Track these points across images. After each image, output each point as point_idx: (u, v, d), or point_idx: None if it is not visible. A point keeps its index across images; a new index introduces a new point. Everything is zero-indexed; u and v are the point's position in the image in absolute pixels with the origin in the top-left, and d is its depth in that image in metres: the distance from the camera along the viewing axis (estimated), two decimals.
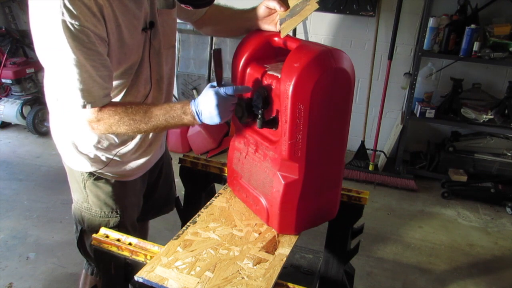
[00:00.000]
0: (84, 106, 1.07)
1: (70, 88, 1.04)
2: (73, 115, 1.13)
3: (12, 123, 4.12)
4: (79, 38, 0.99)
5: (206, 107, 1.09)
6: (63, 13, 0.97)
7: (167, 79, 1.35)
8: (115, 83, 1.19)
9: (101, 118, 1.10)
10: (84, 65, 1.02)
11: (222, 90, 1.09)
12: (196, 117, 1.11)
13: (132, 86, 1.24)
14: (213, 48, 1.12)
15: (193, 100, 1.12)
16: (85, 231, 1.41)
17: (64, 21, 0.97)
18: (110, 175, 1.36)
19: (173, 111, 1.12)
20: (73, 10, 0.97)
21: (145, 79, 1.26)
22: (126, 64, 1.18)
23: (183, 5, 1.02)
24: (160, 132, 1.22)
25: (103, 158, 1.33)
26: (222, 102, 1.08)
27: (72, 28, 0.98)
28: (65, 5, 0.97)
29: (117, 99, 1.24)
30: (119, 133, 1.14)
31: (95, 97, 1.07)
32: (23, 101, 3.96)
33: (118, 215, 1.39)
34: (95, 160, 1.32)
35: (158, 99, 1.33)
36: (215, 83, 1.11)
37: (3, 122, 4.13)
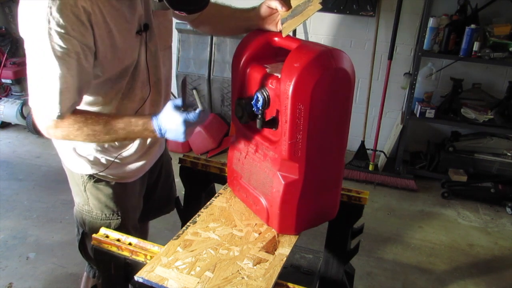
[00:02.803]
0: (54, 115, 1.05)
1: (44, 95, 1.03)
2: (33, 115, 1.11)
3: (12, 123, 4.12)
4: (63, 48, 0.98)
5: (172, 130, 1.09)
6: (49, 21, 0.96)
7: (164, 80, 1.35)
8: (110, 87, 1.19)
9: (59, 125, 1.08)
10: (64, 76, 1.01)
11: (191, 117, 1.08)
12: (158, 133, 1.10)
13: (128, 89, 1.24)
14: (182, 78, 1.15)
15: (155, 117, 1.10)
16: (86, 234, 1.40)
17: (50, 29, 0.96)
18: (110, 177, 1.36)
19: (133, 126, 1.11)
20: (60, 18, 0.96)
21: (142, 82, 1.25)
22: (120, 68, 1.17)
23: (177, 12, 1.01)
24: (119, 142, 1.25)
25: (103, 161, 1.32)
26: (189, 128, 1.09)
27: (57, 37, 0.97)
28: (51, 14, 0.95)
29: (114, 102, 1.23)
30: (76, 141, 1.14)
31: (65, 107, 1.05)
32: (23, 101, 3.95)
33: (119, 217, 1.39)
34: (95, 162, 1.32)
35: (157, 101, 1.33)
36: (178, 102, 1.10)
37: (3, 122, 4.13)
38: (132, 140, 1.17)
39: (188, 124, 1.08)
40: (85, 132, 1.09)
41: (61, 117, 1.06)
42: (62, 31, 0.97)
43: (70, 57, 1.00)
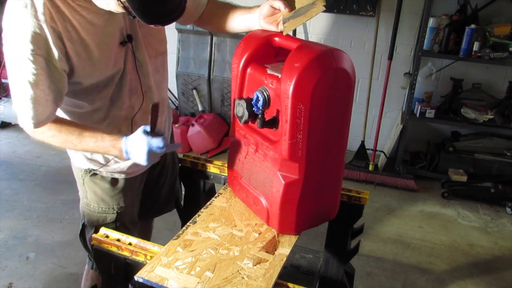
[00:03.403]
0: (30, 125, 1.13)
1: (20, 107, 1.11)
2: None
3: (12, 123, 4.12)
4: (30, 64, 1.04)
5: (136, 153, 1.14)
6: (18, 39, 1.03)
7: (157, 87, 1.37)
8: (97, 95, 1.24)
9: (35, 134, 1.17)
10: (34, 93, 1.07)
11: (154, 143, 1.13)
12: (125, 154, 1.16)
13: (115, 97, 1.27)
14: (152, 103, 1.19)
15: (125, 137, 1.16)
16: (86, 226, 1.43)
17: (18, 46, 1.03)
18: (106, 172, 1.37)
19: (103, 142, 1.17)
20: (27, 36, 1.02)
21: (130, 90, 1.28)
22: (102, 78, 1.21)
23: (152, 25, 1.03)
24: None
25: (100, 159, 1.34)
26: (152, 153, 1.14)
27: (25, 54, 1.03)
28: (20, 33, 1.03)
29: (102, 109, 1.27)
30: (53, 146, 1.20)
31: (38, 119, 1.12)
32: None
33: (114, 212, 1.41)
34: (91, 159, 1.34)
35: (148, 109, 1.34)
36: (148, 128, 1.16)
37: (3, 122, 4.12)
38: (101, 154, 1.28)
39: (151, 151, 1.13)
40: (59, 139, 1.17)
41: (36, 126, 1.14)
42: (29, 48, 1.03)
43: (39, 74, 1.06)
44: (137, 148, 1.14)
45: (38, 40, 1.03)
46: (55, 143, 1.19)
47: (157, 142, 1.12)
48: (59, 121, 1.18)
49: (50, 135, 1.17)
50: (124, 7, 1.00)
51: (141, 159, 1.14)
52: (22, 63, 1.05)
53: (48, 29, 1.04)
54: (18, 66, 1.06)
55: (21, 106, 1.11)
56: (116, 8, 1.04)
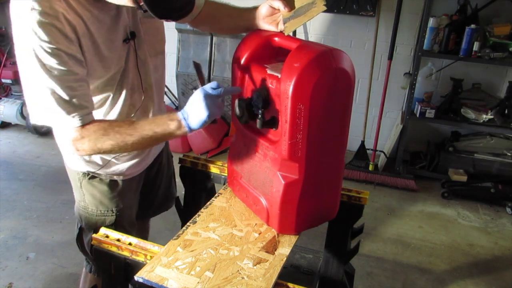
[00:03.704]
0: (67, 126, 1.06)
1: (51, 111, 1.04)
2: (57, 135, 1.12)
3: (12, 123, 4.12)
4: (50, 60, 0.99)
5: (194, 106, 1.07)
6: (33, 37, 0.97)
7: (156, 86, 1.36)
8: (98, 95, 1.21)
9: (85, 135, 1.07)
10: (59, 88, 1.01)
11: (207, 86, 1.09)
12: (183, 121, 1.08)
13: (117, 96, 1.26)
14: (193, 62, 1.17)
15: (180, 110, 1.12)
16: (83, 229, 1.42)
17: (34, 45, 0.98)
18: (105, 174, 1.37)
19: (158, 119, 1.10)
20: (42, 33, 0.97)
21: (131, 89, 1.27)
22: (106, 76, 1.19)
23: (163, 20, 1.02)
24: (148, 145, 1.20)
25: (98, 160, 1.33)
26: (209, 97, 1.07)
27: (43, 51, 0.98)
28: (33, 29, 0.97)
29: (102, 109, 1.25)
30: (105, 150, 1.10)
31: (75, 116, 1.05)
32: (23, 101, 3.95)
33: (113, 214, 1.40)
34: (90, 161, 1.33)
35: (148, 107, 1.34)
36: (198, 86, 1.12)
37: (3, 122, 4.13)
38: (160, 139, 1.13)
39: (207, 94, 1.07)
40: (111, 136, 1.07)
41: (84, 122, 1.06)
42: (46, 44, 0.98)
43: (59, 69, 1.01)
44: (193, 102, 1.07)
45: (54, 34, 0.99)
46: (107, 144, 1.08)
47: (210, 84, 1.07)
48: (104, 120, 1.13)
49: (101, 134, 1.07)
50: (136, 1, 0.98)
51: (201, 110, 1.06)
52: (47, 60, 0.99)
53: (64, 23, 1.00)
54: (42, 66, 0.99)
55: (56, 110, 1.03)
56: (126, 1, 1.02)
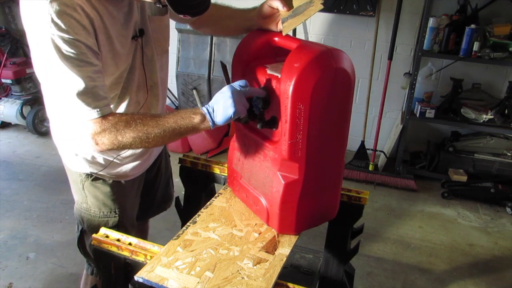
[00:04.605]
0: (87, 119, 1.03)
1: (70, 103, 1.02)
2: (75, 130, 1.09)
3: (12, 123, 4.12)
4: (69, 51, 0.98)
5: (221, 102, 1.06)
6: (51, 28, 0.96)
7: (161, 84, 1.36)
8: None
9: (105, 127, 1.03)
10: (78, 78, 1.00)
11: (236, 83, 1.09)
12: (208, 115, 1.07)
13: (123, 93, 1.25)
14: (220, 61, 1.21)
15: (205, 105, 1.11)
16: (85, 232, 1.41)
17: (53, 36, 0.96)
18: (108, 175, 1.36)
19: (182, 112, 1.08)
20: (61, 24, 0.96)
21: (137, 86, 1.27)
22: (116, 73, 1.18)
23: (181, 15, 1.02)
24: (168, 140, 1.14)
25: (101, 161, 1.33)
26: (236, 93, 1.06)
27: (62, 42, 0.97)
28: (53, 20, 0.96)
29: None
30: (124, 144, 1.06)
31: (95, 108, 1.03)
32: (23, 101, 3.96)
33: (116, 215, 1.39)
34: (92, 161, 1.32)
35: (153, 105, 1.34)
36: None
37: (3, 122, 4.13)
38: (183, 133, 1.09)
39: (235, 90, 1.06)
40: (133, 127, 1.04)
41: (101, 113, 1.03)
42: (65, 35, 0.97)
43: (78, 60, 1.00)
44: (220, 97, 1.06)
45: (73, 25, 0.98)
46: (128, 137, 1.04)
47: (238, 82, 1.08)
48: (125, 113, 1.11)
49: (122, 126, 1.03)
50: None
51: (228, 105, 1.05)
52: (66, 51, 0.97)
53: (82, 14, 0.99)
54: (60, 57, 0.98)
55: (76, 102, 1.00)
56: None
